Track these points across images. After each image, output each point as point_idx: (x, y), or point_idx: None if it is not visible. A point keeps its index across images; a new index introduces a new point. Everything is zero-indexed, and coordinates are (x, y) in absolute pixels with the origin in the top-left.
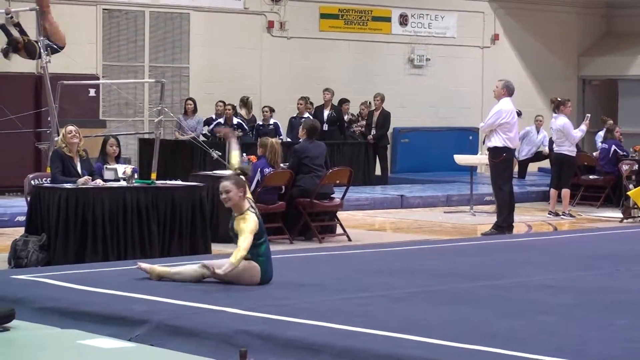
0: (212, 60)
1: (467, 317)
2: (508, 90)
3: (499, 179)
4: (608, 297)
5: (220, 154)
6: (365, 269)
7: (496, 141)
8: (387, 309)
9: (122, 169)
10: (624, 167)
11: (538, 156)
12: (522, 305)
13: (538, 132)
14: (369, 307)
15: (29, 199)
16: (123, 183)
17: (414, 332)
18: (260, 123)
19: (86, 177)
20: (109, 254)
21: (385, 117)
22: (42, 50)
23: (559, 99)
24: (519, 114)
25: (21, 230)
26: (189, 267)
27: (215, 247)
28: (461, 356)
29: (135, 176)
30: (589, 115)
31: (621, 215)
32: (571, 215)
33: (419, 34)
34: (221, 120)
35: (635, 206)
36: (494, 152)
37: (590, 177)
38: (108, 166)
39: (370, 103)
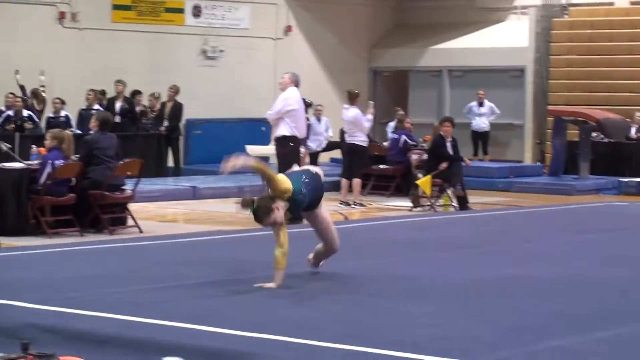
0: (2, 52)
1: (260, 306)
2: (294, 81)
3: (286, 170)
4: (399, 284)
5: (10, 146)
6: (157, 260)
7: (283, 130)
8: (179, 299)
9: None
10: (414, 157)
11: (329, 146)
12: (313, 293)
13: (319, 120)
14: (160, 298)
15: None
16: None
17: (207, 322)
18: (52, 115)
19: None
20: None
21: (178, 108)
22: None
23: (356, 91)
24: (309, 104)
25: None
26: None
27: (3, 240)
28: (253, 345)
29: None
30: (372, 102)
31: (410, 204)
32: (362, 205)
33: (213, 25)
34: (11, 112)
35: (424, 195)
36: (281, 141)
37: (381, 166)
38: None
39: (159, 95)
